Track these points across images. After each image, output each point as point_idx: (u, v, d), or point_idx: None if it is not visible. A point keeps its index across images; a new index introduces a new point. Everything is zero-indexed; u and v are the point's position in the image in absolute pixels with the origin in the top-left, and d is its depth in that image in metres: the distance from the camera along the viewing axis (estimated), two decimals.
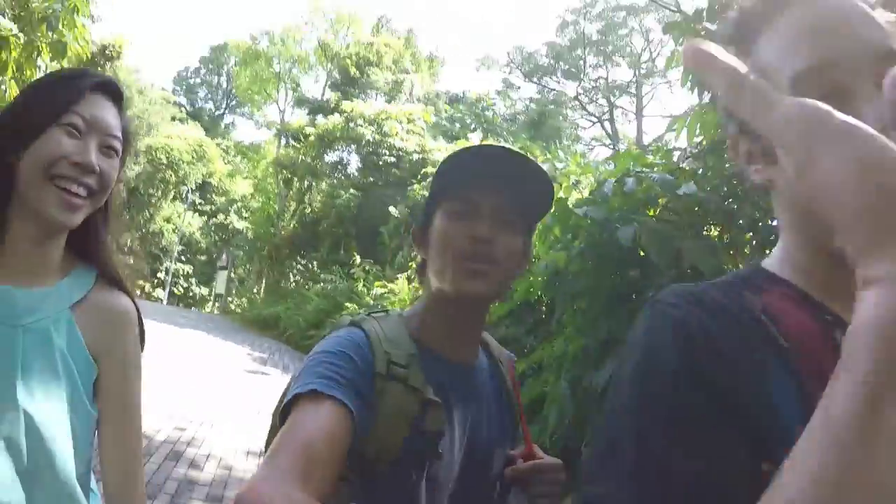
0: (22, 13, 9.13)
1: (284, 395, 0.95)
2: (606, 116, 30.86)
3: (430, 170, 11.27)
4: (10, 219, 1.17)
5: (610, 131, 30.48)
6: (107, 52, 16.27)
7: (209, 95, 48.37)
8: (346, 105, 21.23)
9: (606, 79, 31.05)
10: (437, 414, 0.97)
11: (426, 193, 1.05)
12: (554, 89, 31.76)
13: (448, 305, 1.06)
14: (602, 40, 30.79)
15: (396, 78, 25.92)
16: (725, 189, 3.04)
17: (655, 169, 3.13)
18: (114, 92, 1.28)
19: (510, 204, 1.05)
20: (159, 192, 27.76)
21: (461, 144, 12.53)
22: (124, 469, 1.24)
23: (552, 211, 3.03)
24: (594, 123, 31.69)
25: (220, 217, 28.71)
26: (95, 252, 1.29)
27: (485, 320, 1.14)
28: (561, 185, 3.75)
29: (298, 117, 28.37)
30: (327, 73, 29.06)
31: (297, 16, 31.50)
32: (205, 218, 29.76)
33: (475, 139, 16.53)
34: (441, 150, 13.54)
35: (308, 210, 22.32)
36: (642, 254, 2.79)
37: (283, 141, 28.46)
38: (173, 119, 31.21)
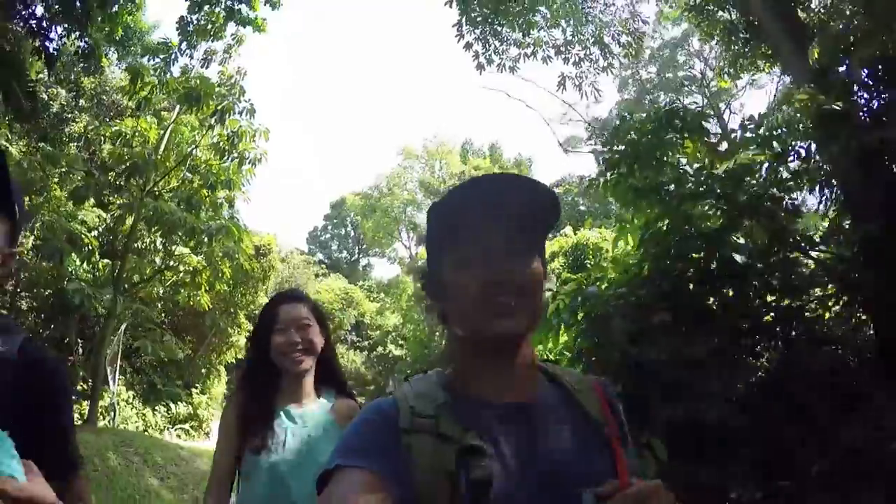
0: (206, 249, 13.47)
1: None
2: None
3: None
4: (272, 374, 2.13)
5: None
6: (261, 251, 18.90)
7: (341, 246, 51.02)
8: None
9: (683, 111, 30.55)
10: (480, 460, 0.90)
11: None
12: None
13: (480, 348, 1.01)
14: (664, 79, 31.13)
15: None
16: (667, 268, 5.13)
17: (612, 275, 5.47)
18: (296, 295, 2.24)
19: (517, 230, 1.01)
20: None
21: (587, 228, 13.76)
22: None
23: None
24: None
25: (379, 349, 30.54)
26: (332, 377, 2.26)
27: (530, 351, 1.07)
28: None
29: (423, 250, 31.09)
30: None
31: (395, 163, 34.82)
32: (365, 352, 31.83)
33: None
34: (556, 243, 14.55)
35: None
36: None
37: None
38: (317, 276, 33.14)
